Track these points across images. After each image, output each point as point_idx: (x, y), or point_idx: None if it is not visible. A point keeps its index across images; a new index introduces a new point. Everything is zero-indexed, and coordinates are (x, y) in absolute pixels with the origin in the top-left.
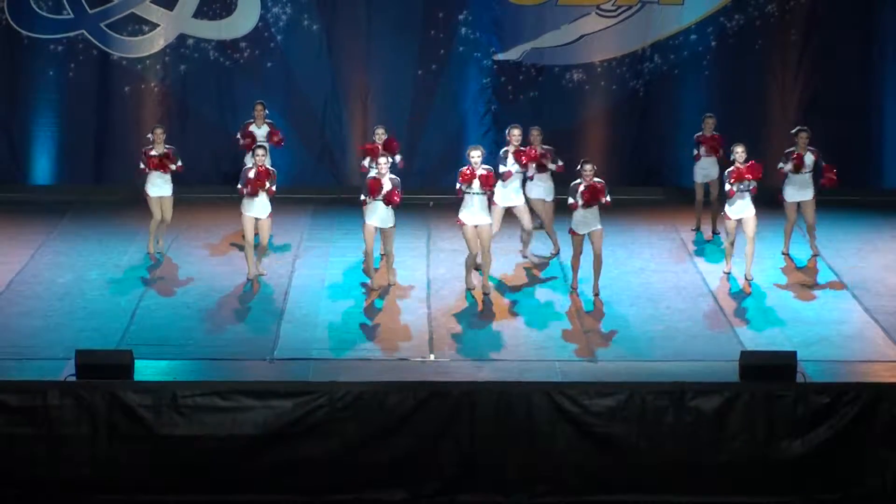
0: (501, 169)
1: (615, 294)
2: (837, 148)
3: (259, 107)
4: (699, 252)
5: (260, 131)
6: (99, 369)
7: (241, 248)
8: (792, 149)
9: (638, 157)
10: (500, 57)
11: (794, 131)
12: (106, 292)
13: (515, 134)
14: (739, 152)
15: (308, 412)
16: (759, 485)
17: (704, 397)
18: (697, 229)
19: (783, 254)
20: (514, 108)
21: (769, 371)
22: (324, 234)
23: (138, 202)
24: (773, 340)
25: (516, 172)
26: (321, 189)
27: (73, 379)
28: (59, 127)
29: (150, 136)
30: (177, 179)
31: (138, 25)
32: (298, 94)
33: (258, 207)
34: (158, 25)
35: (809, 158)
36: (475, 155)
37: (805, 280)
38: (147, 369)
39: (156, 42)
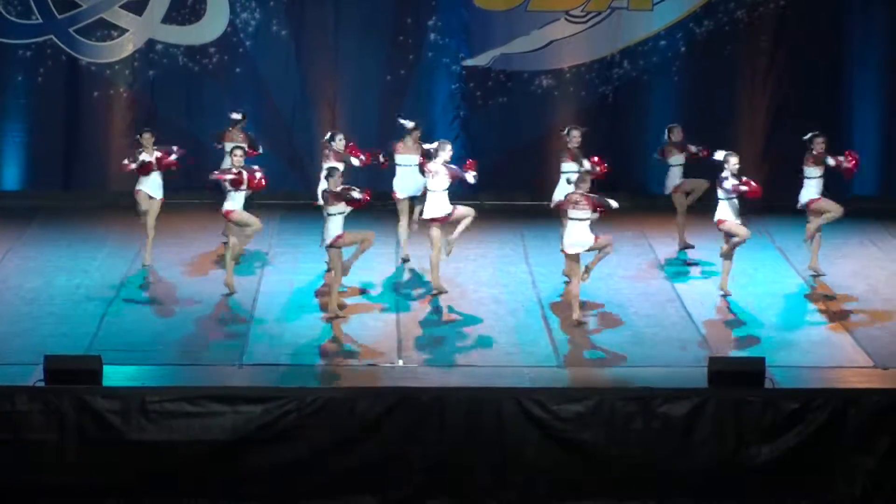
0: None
1: (583, 300)
2: (806, 155)
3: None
4: (668, 258)
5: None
6: (67, 374)
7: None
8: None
9: (606, 162)
10: (468, 62)
11: (808, 137)
12: (74, 297)
13: (575, 135)
14: (733, 163)
15: (277, 418)
16: (727, 490)
17: (673, 403)
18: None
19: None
20: (483, 113)
21: (737, 377)
22: (293, 240)
23: (107, 207)
24: (741, 346)
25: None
26: (290, 194)
27: (42, 384)
28: (27, 132)
29: (136, 137)
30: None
31: (107, 31)
32: (267, 100)
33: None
34: (127, 31)
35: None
36: (446, 151)
37: (773, 286)
38: (116, 374)
39: (125, 47)
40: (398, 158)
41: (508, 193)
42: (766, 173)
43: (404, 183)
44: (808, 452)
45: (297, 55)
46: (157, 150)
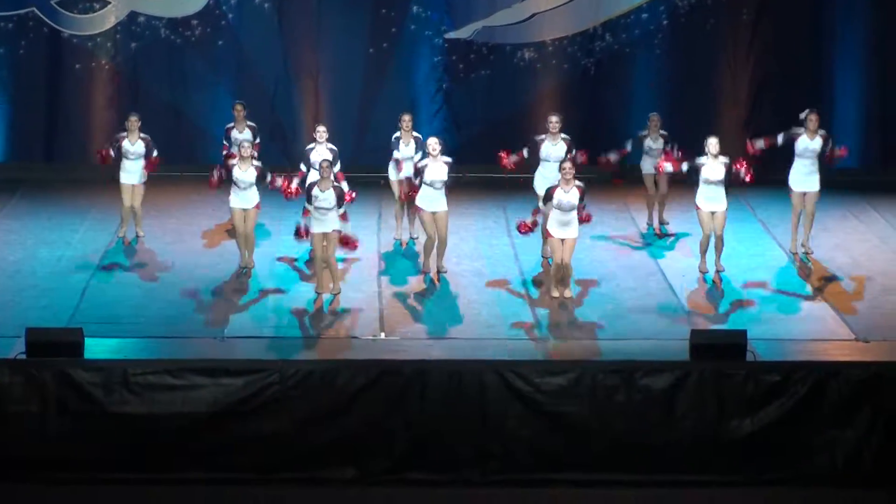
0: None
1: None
2: (788, 126)
3: (239, 107)
4: (649, 231)
5: (242, 136)
6: (49, 347)
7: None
8: (800, 130)
9: (589, 135)
10: (451, 35)
11: (803, 114)
12: (56, 270)
13: (553, 121)
14: (713, 144)
15: (259, 390)
16: (709, 463)
17: (654, 376)
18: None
19: (792, 253)
20: (465, 86)
21: (719, 350)
22: (274, 213)
23: (89, 180)
24: (723, 319)
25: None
26: (272, 167)
27: (23, 357)
28: (9, 105)
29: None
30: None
31: (89, 3)
32: (250, 73)
33: (246, 199)
34: (109, 3)
35: (817, 143)
36: (433, 142)
37: (755, 259)
38: (97, 347)
39: (106, 19)
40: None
41: (491, 166)
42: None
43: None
44: (789, 425)
45: (279, 28)
46: (142, 137)
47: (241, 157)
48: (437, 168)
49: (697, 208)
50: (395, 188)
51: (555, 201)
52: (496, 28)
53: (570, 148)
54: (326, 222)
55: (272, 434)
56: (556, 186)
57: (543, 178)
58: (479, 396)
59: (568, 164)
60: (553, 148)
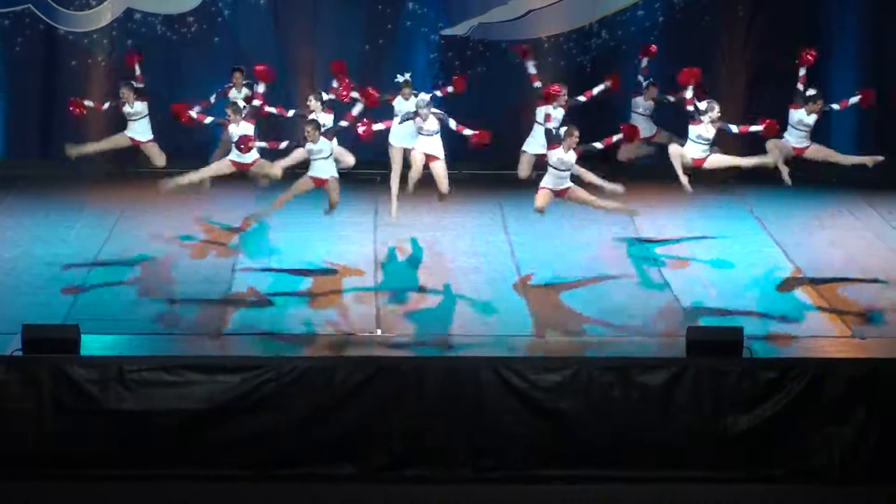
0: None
1: (562, 269)
2: (784, 123)
3: (237, 74)
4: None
5: (240, 95)
6: (45, 344)
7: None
8: (800, 104)
9: (584, 132)
10: (447, 32)
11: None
12: (52, 267)
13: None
14: (715, 108)
15: (255, 387)
16: (705, 460)
17: (651, 373)
18: None
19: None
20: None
21: (715, 346)
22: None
23: (85, 177)
24: (719, 316)
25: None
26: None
27: (19, 353)
28: (5, 101)
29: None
30: (127, 158)
31: (85, 0)
32: (246, 69)
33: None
34: (105, 0)
35: (812, 118)
36: (422, 101)
37: (752, 255)
38: (93, 344)
39: (103, 16)
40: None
41: (486, 163)
42: (742, 141)
43: (399, 133)
44: (785, 422)
45: (275, 24)
46: (140, 99)
47: (234, 113)
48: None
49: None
50: (396, 156)
51: (553, 159)
52: (492, 25)
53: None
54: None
55: (268, 431)
56: (557, 144)
57: (535, 139)
58: (476, 393)
59: (576, 131)
60: (554, 112)
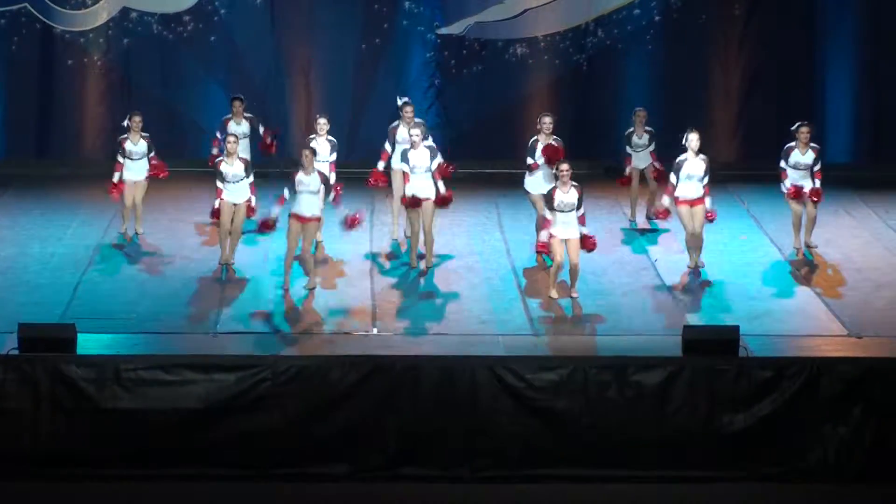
0: (529, 161)
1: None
2: (780, 122)
3: (237, 103)
4: (642, 226)
5: (239, 128)
6: (41, 343)
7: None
8: (792, 143)
9: (581, 131)
10: (443, 31)
11: (794, 127)
12: (49, 266)
13: (546, 122)
14: (694, 140)
15: (251, 386)
16: (701, 459)
17: (647, 372)
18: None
19: (795, 248)
20: (457, 82)
21: (712, 345)
22: (266, 209)
23: (81, 176)
24: (715, 315)
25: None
26: (263, 163)
27: (16, 352)
28: (1, 101)
29: (126, 123)
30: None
31: None
32: (242, 68)
33: (236, 193)
34: None
35: (809, 156)
36: (416, 133)
37: (747, 254)
38: (90, 343)
39: (99, 15)
40: (398, 136)
41: (483, 162)
42: (739, 141)
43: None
44: (781, 421)
45: (271, 23)
46: (143, 136)
47: (228, 153)
48: (421, 154)
49: (678, 203)
50: (398, 182)
51: (556, 203)
52: (488, 24)
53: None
54: (308, 206)
55: (264, 430)
56: (555, 188)
57: (535, 176)
58: (471, 392)
59: (566, 166)
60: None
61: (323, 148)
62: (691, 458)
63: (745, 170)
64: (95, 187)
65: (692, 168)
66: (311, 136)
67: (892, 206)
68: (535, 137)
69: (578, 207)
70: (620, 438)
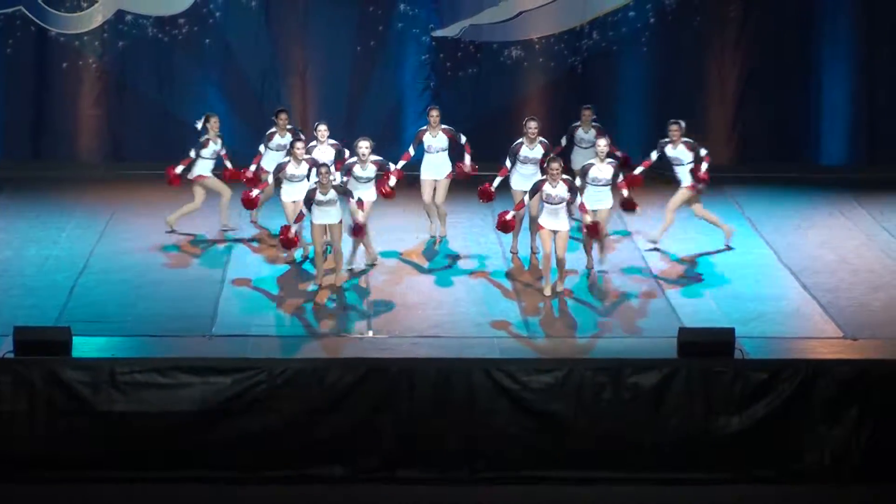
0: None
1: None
2: (775, 124)
3: (283, 116)
4: (637, 229)
5: (283, 140)
6: (37, 346)
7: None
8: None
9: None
10: (438, 33)
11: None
12: (44, 269)
13: (532, 126)
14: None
15: (247, 388)
16: (697, 461)
17: (643, 374)
18: None
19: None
20: (452, 84)
21: (707, 347)
22: (263, 212)
23: (76, 179)
24: (711, 317)
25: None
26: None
27: (11, 356)
28: None
29: (204, 123)
30: (117, 156)
31: (76, 1)
32: (237, 71)
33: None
34: (97, 1)
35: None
36: (363, 146)
37: (743, 257)
38: (85, 346)
39: (94, 18)
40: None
41: (478, 164)
42: (735, 142)
43: (428, 166)
44: (777, 423)
45: (267, 26)
46: (218, 139)
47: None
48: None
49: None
50: (426, 184)
51: (543, 195)
52: (483, 26)
53: (548, 151)
54: (330, 215)
55: (260, 432)
56: (543, 181)
57: (521, 176)
58: (467, 394)
59: (556, 164)
60: (531, 152)
61: (327, 154)
62: (687, 459)
63: (740, 172)
64: (91, 190)
65: (599, 172)
66: (313, 144)
67: (887, 208)
68: (520, 140)
69: (572, 201)
70: (616, 440)
